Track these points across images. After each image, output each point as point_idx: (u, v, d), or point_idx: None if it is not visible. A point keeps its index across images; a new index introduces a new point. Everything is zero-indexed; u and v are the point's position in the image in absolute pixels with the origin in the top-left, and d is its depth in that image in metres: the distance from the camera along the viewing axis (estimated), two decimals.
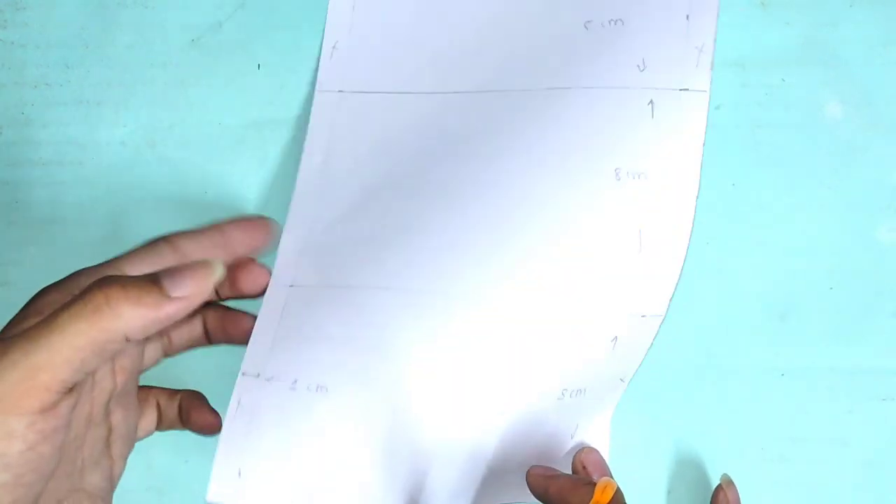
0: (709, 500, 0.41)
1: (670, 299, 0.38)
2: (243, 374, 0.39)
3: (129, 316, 0.32)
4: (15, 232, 0.44)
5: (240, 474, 0.38)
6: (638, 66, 0.39)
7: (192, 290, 0.33)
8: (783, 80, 0.44)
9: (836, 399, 0.41)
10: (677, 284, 0.38)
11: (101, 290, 0.32)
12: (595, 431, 0.40)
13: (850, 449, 0.41)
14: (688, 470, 0.41)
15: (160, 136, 0.45)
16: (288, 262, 0.41)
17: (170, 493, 0.43)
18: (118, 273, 0.36)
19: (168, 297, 0.33)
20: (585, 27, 0.41)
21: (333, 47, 0.44)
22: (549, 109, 0.40)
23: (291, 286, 0.40)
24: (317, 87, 0.44)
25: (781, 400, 0.41)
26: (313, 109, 0.43)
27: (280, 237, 0.41)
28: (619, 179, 0.38)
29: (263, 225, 0.39)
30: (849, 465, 0.41)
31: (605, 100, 0.39)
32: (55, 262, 0.44)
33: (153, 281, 0.33)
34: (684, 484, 0.41)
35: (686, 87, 0.39)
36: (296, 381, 0.38)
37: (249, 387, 0.38)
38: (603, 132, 0.39)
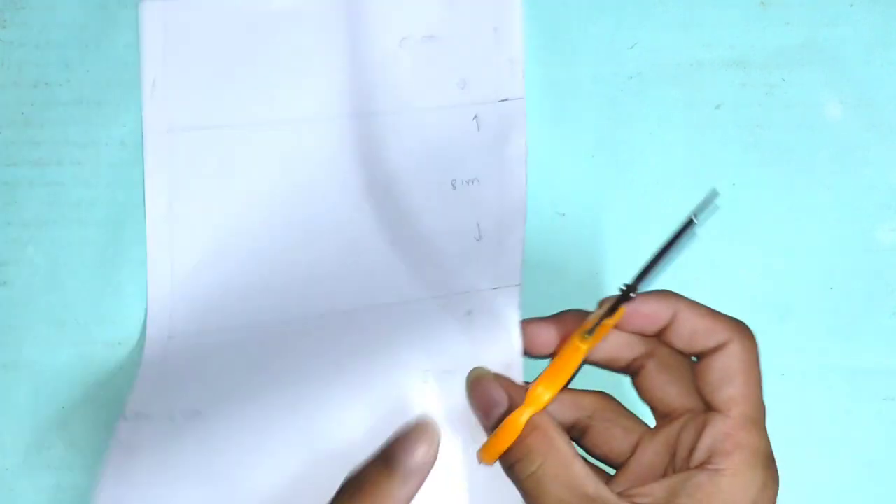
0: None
1: (521, 268, 0.40)
2: (123, 418, 0.39)
3: None
4: (14, 232, 0.44)
5: None
6: (458, 84, 0.43)
7: (423, 456, 0.35)
8: (783, 80, 0.44)
9: (836, 399, 0.41)
10: (523, 254, 0.41)
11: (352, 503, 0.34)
12: None
13: (850, 449, 0.41)
14: None
15: None
16: (161, 314, 0.42)
17: None
18: None
19: (406, 474, 0.35)
20: (400, 45, 0.43)
21: (153, 84, 0.43)
22: (382, 134, 0.43)
23: (170, 338, 0.41)
24: (144, 127, 0.43)
25: (781, 400, 0.41)
26: (146, 152, 0.43)
27: (147, 288, 0.42)
28: (455, 189, 0.42)
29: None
30: (849, 465, 0.41)
31: (433, 120, 0.43)
32: (55, 262, 0.44)
33: (388, 468, 0.35)
34: None
35: (505, 98, 0.42)
36: (172, 412, 0.39)
37: (129, 428, 0.39)
38: (437, 150, 0.42)
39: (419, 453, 0.35)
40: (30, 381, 0.43)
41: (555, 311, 0.42)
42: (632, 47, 0.44)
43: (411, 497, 0.35)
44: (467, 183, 0.42)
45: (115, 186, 0.44)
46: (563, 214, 0.43)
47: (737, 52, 0.44)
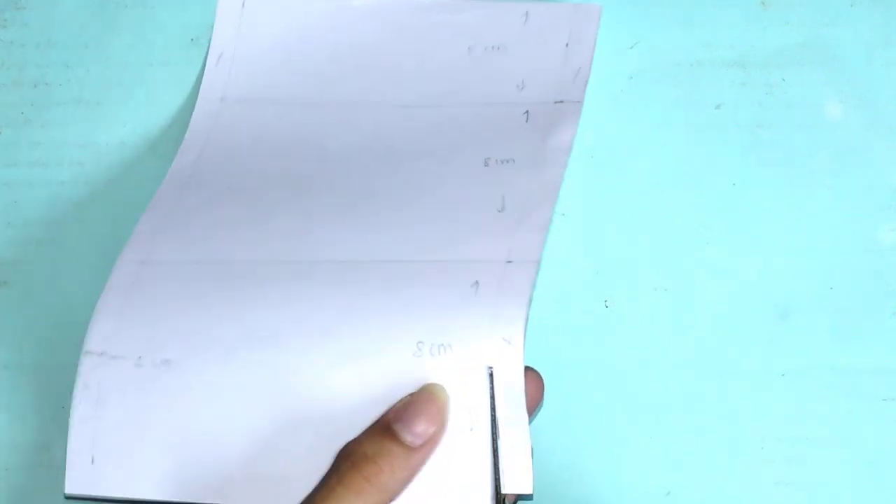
0: (709, 503, 0.41)
1: (542, 245, 0.38)
2: (86, 352, 0.38)
3: (387, 483, 0.33)
4: (14, 232, 0.44)
5: (93, 461, 0.37)
6: (517, 85, 0.42)
7: (430, 429, 0.34)
8: (783, 79, 0.44)
9: (836, 399, 0.41)
10: (548, 232, 0.38)
11: (355, 469, 0.33)
12: (508, 425, 0.35)
13: (850, 449, 0.41)
14: (687, 470, 0.41)
15: (160, 136, 0.45)
16: (142, 240, 0.40)
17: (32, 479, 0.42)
18: None
19: (412, 448, 0.33)
20: (469, 51, 0.43)
21: (219, 57, 0.44)
22: (425, 119, 0.42)
23: (142, 263, 0.39)
24: (200, 94, 0.44)
25: (781, 400, 0.41)
26: (193, 115, 0.44)
27: (140, 219, 0.41)
28: (487, 166, 0.40)
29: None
30: (849, 465, 0.41)
31: (484, 111, 0.42)
32: (55, 262, 0.44)
33: (390, 436, 0.33)
34: (683, 485, 0.41)
35: (562, 100, 0.41)
36: (140, 357, 0.37)
37: (94, 366, 0.38)
38: (477, 131, 0.41)
39: (419, 428, 0.34)
40: (30, 381, 0.43)
41: (554, 312, 0.42)
42: (632, 47, 0.44)
43: (417, 469, 0.34)
44: (502, 162, 0.40)
45: (115, 186, 0.44)
46: (563, 214, 0.43)
47: (737, 52, 0.44)
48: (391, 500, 0.33)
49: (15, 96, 0.45)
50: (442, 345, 0.36)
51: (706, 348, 0.42)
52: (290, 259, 0.39)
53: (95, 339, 0.38)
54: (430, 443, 0.34)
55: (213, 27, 0.45)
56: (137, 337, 0.38)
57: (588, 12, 0.43)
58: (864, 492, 0.41)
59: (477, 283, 0.37)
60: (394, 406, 0.35)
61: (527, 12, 0.44)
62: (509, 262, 0.37)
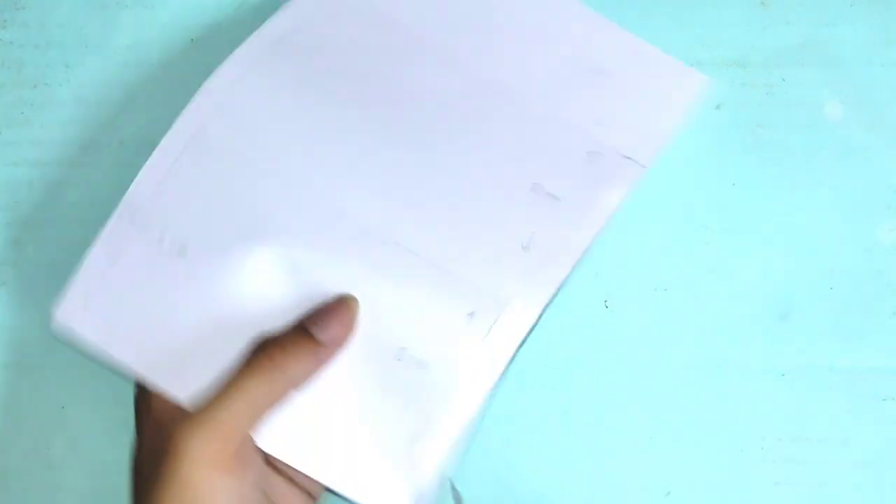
0: (709, 503, 0.41)
1: (545, 305, 0.39)
2: (120, 213, 0.40)
3: (293, 370, 0.36)
4: (14, 232, 0.44)
5: (85, 307, 0.39)
6: (596, 120, 0.41)
7: (340, 333, 0.37)
8: (783, 80, 0.44)
9: (836, 399, 0.41)
10: (555, 293, 0.39)
11: (265, 354, 0.36)
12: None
13: (850, 449, 0.41)
14: (687, 470, 0.41)
15: (160, 136, 0.45)
16: (196, 113, 0.41)
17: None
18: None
19: (321, 345, 0.37)
20: (565, 61, 0.41)
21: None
22: (495, 100, 0.41)
23: (193, 137, 0.40)
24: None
25: (781, 400, 0.41)
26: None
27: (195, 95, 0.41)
28: (534, 192, 0.40)
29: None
30: (849, 465, 0.41)
31: (555, 121, 0.41)
32: (55, 262, 0.44)
33: (304, 332, 0.37)
34: (683, 485, 0.41)
35: (629, 157, 0.40)
36: (162, 238, 0.39)
37: (121, 228, 0.40)
38: (538, 147, 0.40)
39: (333, 330, 0.37)
40: (30, 381, 0.43)
41: (554, 312, 0.42)
42: None
43: (322, 365, 0.37)
44: (548, 196, 0.40)
45: (115, 186, 0.44)
46: None
47: (737, 52, 0.44)
48: (293, 387, 0.36)
49: (14, 96, 0.45)
50: (421, 360, 0.38)
51: (706, 348, 0.42)
52: (323, 194, 0.40)
53: (132, 198, 0.40)
54: (339, 344, 0.37)
55: (216, 26, 0.45)
56: (164, 212, 0.40)
57: (693, 79, 0.42)
58: (864, 492, 0.41)
59: (472, 314, 0.39)
60: (309, 310, 0.38)
61: (638, 50, 0.42)
62: (509, 304, 0.39)
